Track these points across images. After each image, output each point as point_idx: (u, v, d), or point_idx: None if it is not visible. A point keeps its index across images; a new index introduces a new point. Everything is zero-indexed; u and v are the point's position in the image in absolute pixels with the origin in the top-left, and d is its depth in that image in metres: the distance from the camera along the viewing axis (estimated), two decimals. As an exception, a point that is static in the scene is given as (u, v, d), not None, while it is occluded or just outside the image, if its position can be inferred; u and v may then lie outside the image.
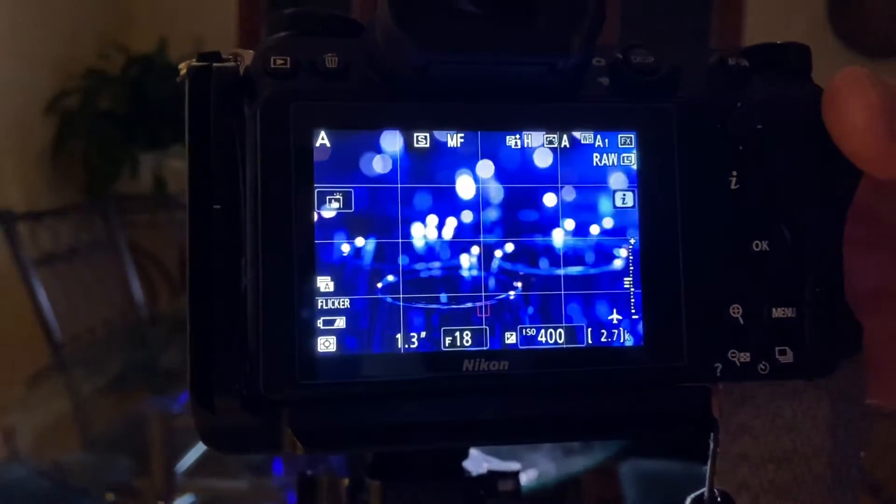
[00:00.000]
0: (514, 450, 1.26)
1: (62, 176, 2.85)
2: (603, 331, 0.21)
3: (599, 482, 2.07)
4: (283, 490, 1.22)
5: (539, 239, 0.21)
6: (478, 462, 0.33)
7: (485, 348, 0.20)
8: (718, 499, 0.23)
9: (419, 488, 0.30)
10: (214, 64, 0.20)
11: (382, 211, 0.20)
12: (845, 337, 0.23)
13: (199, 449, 1.32)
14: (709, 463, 0.23)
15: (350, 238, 0.20)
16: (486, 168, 0.21)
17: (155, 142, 2.82)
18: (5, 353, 2.51)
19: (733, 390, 0.24)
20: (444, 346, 0.20)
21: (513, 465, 0.35)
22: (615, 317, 0.21)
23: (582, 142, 0.21)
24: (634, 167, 0.21)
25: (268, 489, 1.26)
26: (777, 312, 0.21)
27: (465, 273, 0.20)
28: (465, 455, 0.32)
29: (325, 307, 0.20)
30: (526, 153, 0.21)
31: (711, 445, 0.23)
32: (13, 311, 2.25)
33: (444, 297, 0.20)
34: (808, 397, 0.24)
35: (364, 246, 0.20)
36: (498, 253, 0.21)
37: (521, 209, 0.21)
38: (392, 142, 0.20)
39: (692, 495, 0.24)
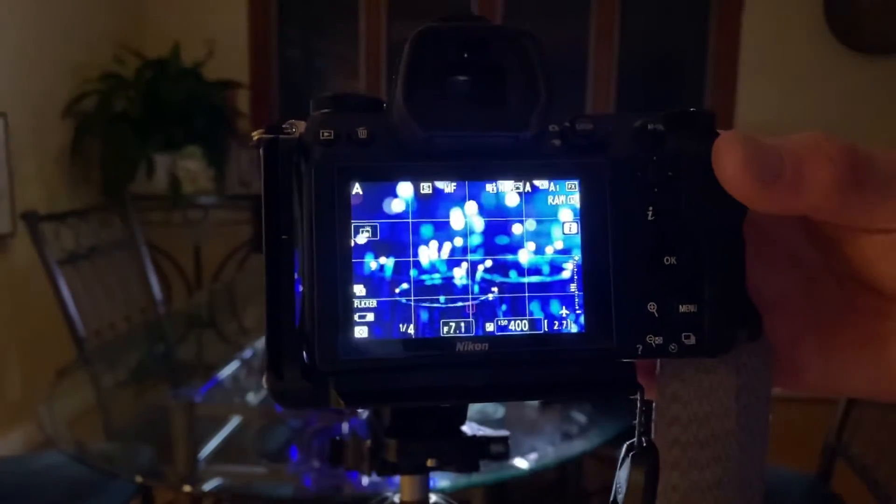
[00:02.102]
0: (516, 437, 1.33)
1: (80, 177, 2.92)
2: (555, 322, 0.28)
3: (601, 467, 2.14)
4: (299, 475, 1.29)
5: (510, 257, 0.28)
6: (474, 430, 0.41)
7: (471, 334, 0.28)
8: (644, 444, 0.31)
9: (427, 445, 0.38)
10: (280, 136, 0.28)
11: (399, 238, 0.28)
12: (747, 325, 0.30)
13: (219, 437, 1.39)
14: (637, 417, 0.31)
15: (376, 258, 0.28)
16: (471, 207, 0.28)
17: (169, 143, 2.88)
18: (35, 347, 2.59)
19: (667, 369, 0.31)
20: (443, 333, 0.28)
21: (503, 433, 0.42)
22: (564, 311, 0.28)
23: (540, 187, 0.29)
24: (578, 205, 0.29)
25: (284, 474, 1.32)
26: (683, 308, 0.29)
27: (457, 281, 0.28)
28: (463, 420, 0.39)
29: (359, 306, 0.27)
30: (500, 196, 0.29)
31: (638, 404, 0.31)
32: (41, 308, 2.33)
33: (442, 298, 0.28)
34: (720, 371, 0.30)
35: (386, 263, 0.28)
36: (480, 267, 0.28)
37: (496, 235, 0.28)
38: (405, 190, 0.28)
39: (627, 443, 0.32)
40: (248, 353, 1.75)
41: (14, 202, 2.55)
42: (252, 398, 1.54)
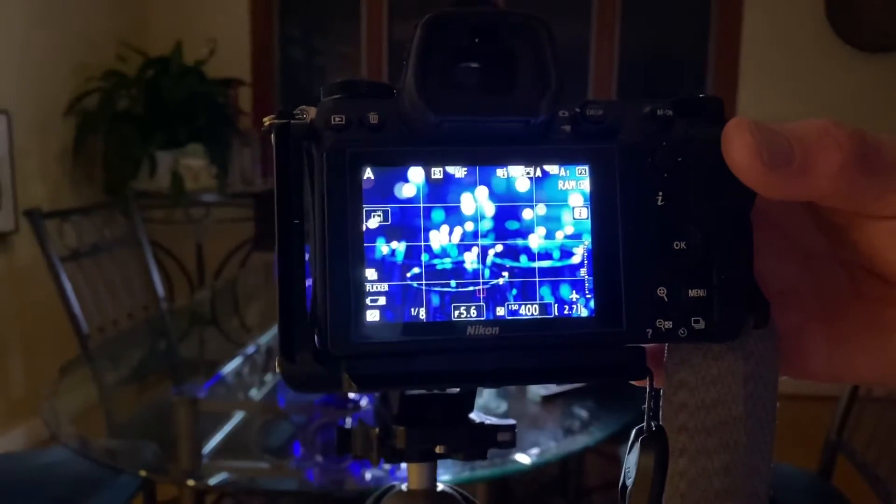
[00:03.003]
0: (518, 431, 1.33)
1: (82, 174, 2.92)
2: (566, 306, 0.29)
3: (602, 463, 2.15)
4: (302, 470, 1.29)
5: (520, 242, 0.29)
6: (482, 418, 0.41)
7: (482, 318, 0.28)
8: (654, 428, 0.31)
9: (434, 432, 0.38)
10: (291, 121, 0.28)
11: (410, 223, 0.28)
12: (755, 311, 0.30)
13: (223, 433, 1.40)
14: (647, 402, 0.31)
15: (388, 242, 0.28)
16: (482, 192, 0.29)
17: (171, 141, 2.88)
18: (38, 344, 2.60)
19: (675, 355, 0.32)
20: (454, 317, 0.28)
21: (509, 421, 0.42)
22: (574, 296, 0.29)
23: (550, 172, 0.29)
24: (588, 190, 0.29)
25: (288, 469, 1.33)
26: (692, 293, 0.29)
27: (468, 266, 0.28)
28: (471, 408, 0.40)
29: (371, 290, 0.28)
30: (511, 181, 0.29)
31: (648, 389, 0.31)
32: (44, 304, 2.33)
33: (453, 283, 0.28)
34: (728, 358, 0.30)
35: (397, 248, 0.28)
36: (491, 252, 0.29)
37: (507, 220, 0.29)
38: (416, 174, 0.28)
39: (637, 427, 0.32)
40: (250, 349, 1.75)
41: (17, 199, 2.55)
42: (255, 394, 1.55)
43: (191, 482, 1.21)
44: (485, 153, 0.29)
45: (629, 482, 0.31)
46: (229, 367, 1.64)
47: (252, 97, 3.28)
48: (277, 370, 0.28)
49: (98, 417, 1.64)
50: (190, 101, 2.86)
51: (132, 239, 2.25)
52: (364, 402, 1.28)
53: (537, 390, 1.43)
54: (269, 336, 1.83)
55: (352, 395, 1.30)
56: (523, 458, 1.22)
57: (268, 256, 2.79)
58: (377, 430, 0.40)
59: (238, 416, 1.46)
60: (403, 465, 0.41)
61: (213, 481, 1.21)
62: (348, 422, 1.15)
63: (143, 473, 1.26)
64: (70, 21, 2.85)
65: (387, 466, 1.15)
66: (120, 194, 2.65)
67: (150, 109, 2.85)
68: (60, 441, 1.34)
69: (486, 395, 1.42)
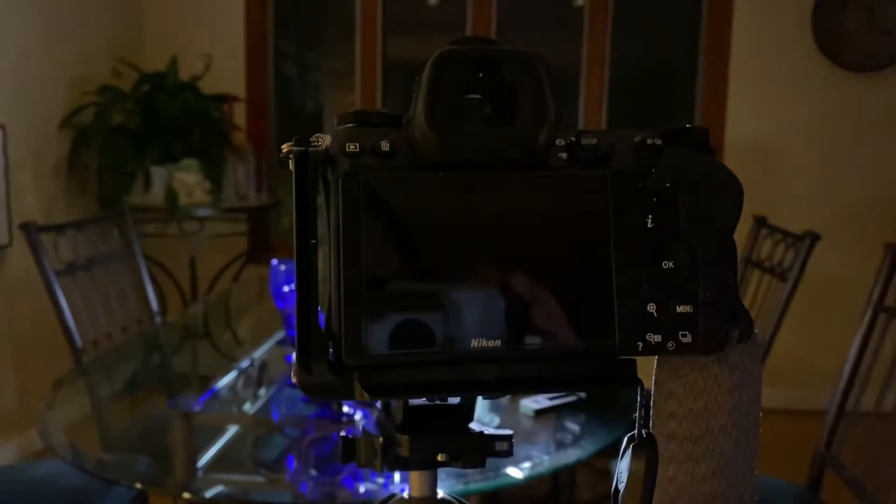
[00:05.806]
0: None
1: (77, 188, 2.93)
2: None
3: (593, 478, 2.16)
4: (296, 483, 1.30)
5: None
6: (481, 428, 0.43)
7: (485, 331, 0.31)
8: (644, 436, 0.33)
9: (437, 441, 0.40)
10: (309, 148, 0.30)
11: (419, 241, 0.30)
12: (739, 326, 0.32)
13: (217, 447, 1.40)
14: (637, 410, 0.33)
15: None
16: (485, 214, 0.31)
17: (166, 155, 2.89)
18: (31, 358, 2.59)
19: (664, 367, 0.34)
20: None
21: (506, 431, 0.44)
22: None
23: (548, 197, 0.31)
24: (583, 213, 0.31)
25: (282, 482, 1.33)
26: (680, 308, 0.31)
27: None
28: (471, 418, 0.42)
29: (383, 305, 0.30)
30: (512, 204, 0.31)
31: (638, 398, 0.33)
32: (37, 318, 2.33)
33: None
34: (715, 370, 0.33)
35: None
36: None
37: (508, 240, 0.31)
38: (425, 198, 0.31)
39: (628, 434, 0.34)
40: (244, 364, 1.76)
41: (11, 213, 2.56)
42: (249, 408, 1.56)
43: (186, 495, 1.22)
44: (488, 178, 0.31)
45: (621, 486, 0.33)
46: (224, 382, 1.64)
47: (246, 113, 3.30)
48: (294, 379, 0.30)
49: (92, 430, 1.64)
50: (185, 116, 2.87)
51: (126, 253, 2.26)
52: (358, 416, 1.30)
53: (529, 404, 1.45)
54: (263, 350, 1.85)
55: (346, 410, 1.32)
56: (515, 472, 1.24)
57: (261, 270, 2.80)
58: (381, 439, 0.42)
59: (232, 430, 1.47)
60: (397, 479, 0.43)
61: (208, 494, 1.22)
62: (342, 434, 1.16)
63: (139, 486, 1.27)
64: (66, 36, 2.86)
65: (380, 480, 1.16)
66: (114, 208, 2.65)
67: (145, 124, 2.86)
68: (55, 453, 1.34)
69: (478, 409, 1.43)
